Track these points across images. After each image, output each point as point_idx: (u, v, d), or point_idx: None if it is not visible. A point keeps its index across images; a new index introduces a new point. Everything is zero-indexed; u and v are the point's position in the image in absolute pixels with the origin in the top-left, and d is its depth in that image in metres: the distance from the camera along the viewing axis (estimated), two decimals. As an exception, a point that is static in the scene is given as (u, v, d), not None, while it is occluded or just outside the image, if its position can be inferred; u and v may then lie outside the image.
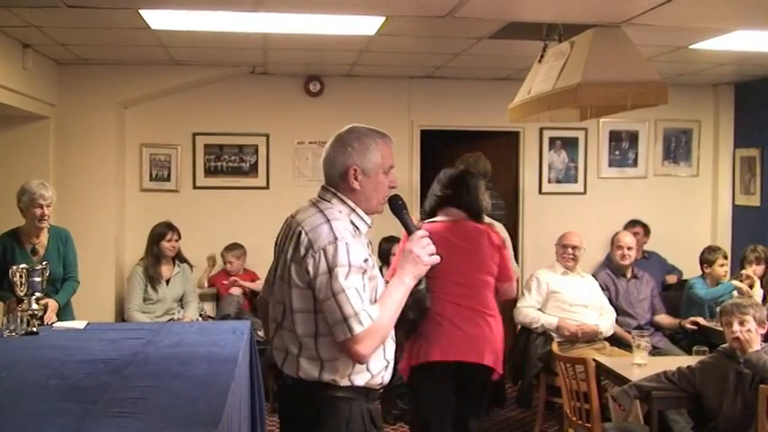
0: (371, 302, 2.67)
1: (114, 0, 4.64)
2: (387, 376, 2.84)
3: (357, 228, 2.75)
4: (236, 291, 7.00)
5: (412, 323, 4.05)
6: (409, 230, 2.88)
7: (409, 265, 2.77)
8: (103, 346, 4.03)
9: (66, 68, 6.77)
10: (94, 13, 4.96)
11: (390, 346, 2.85)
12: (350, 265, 2.59)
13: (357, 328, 2.57)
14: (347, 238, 2.63)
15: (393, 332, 2.85)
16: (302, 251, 2.64)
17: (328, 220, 2.66)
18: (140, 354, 3.86)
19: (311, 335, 2.67)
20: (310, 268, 2.61)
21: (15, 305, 4.49)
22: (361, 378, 2.73)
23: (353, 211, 2.77)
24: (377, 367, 2.77)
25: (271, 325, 2.87)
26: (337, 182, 2.78)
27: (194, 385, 3.23)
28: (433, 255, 2.80)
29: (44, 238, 5.27)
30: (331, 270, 2.58)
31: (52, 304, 4.93)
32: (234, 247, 7.16)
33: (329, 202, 2.77)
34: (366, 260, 2.66)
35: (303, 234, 2.66)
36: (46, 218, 5.18)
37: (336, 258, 2.58)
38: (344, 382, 2.70)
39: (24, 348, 3.98)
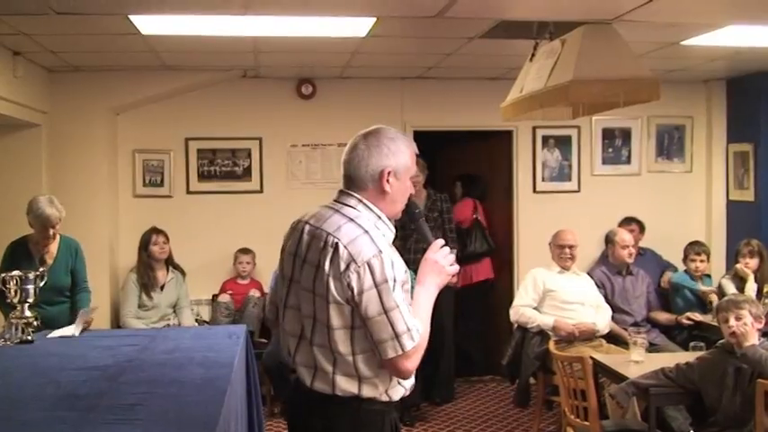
0: None
1: (103, 6, 4.62)
2: (411, 387, 2.79)
3: (384, 236, 2.65)
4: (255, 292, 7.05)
5: None
6: (427, 240, 2.81)
7: (433, 275, 2.72)
8: (99, 353, 4.02)
9: (57, 76, 6.75)
10: (84, 20, 4.94)
11: None
12: (396, 280, 2.52)
13: (409, 345, 2.51)
14: (389, 250, 2.55)
15: None
16: (342, 266, 2.50)
17: (366, 231, 2.55)
18: (136, 360, 3.86)
19: (350, 352, 2.56)
20: (354, 284, 2.48)
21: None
22: (397, 393, 2.68)
23: (379, 218, 2.68)
24: (409, 380, 2.72)
25: (290, 339, 2.71)
26: (366, 184, 2.67)
27: (190, 391, 3.23)
28: (453, 265, 2.76)
29: (54, 247, 5.26)
30: (378, 285, 2.48)
31: (86, 317, 4.89)
32: (247, 251, 7.19)
33: (355, 209, 2.66)
34: (406, 271, 2.61)
35: (341, 247, 2.51)
36: (52, 234, 5.17)
37: (384, 273, 2.49)
38: (384, 398, 2.65)
39: (19, 357, 3.97)
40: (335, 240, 2.54)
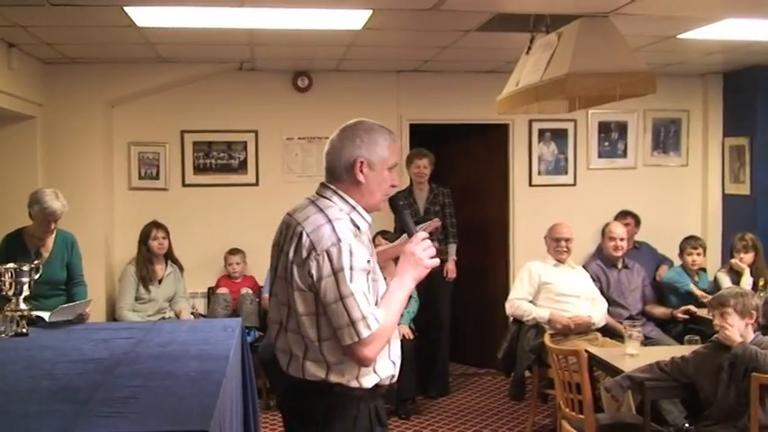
0: (375, 304, 2.65)
1: (99, -3, 4.62)
2: (395, 376, 2.82)
3: (358, 226, 2.72)
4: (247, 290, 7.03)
5: None
6: (410, 232, 2.83)
7: (410, 268, 2.74)
8: (94, 346, 4.00)
9: (53, 68, 6.74)
10: (79, 12, 4.93)
11: (396, 347, 2.83)
12: (353, 268, 2.55)
13: (365, 332, 2.55)
14: (350, 239, 2.59)
15: (397, 332, 2.83)
16: (304, 253, 2.60)
17: (330, 221, 2.62)
18: (131, 353, 3.84)
19: (316, 338, 2.64)
20: (314, 271, 2.57)
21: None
22: (369, 380, 2.71)
23: (354, 209, 2.73)
24: (383, 368, 2.75)
25: (273, 326, 2.82)
26: (341, 175, 2.74)
27: (185, 384, 3.21)
28: (433, 258, 2.77)
29: (50, 241, 5.24)
30: (336, 273, 2.54)
31: (83, 309, 4.88)
32: (237, 251, 7.19)
33: (329, 200, 2.73)
34: (368, 261, 2.63)
35: (305, 235, 2.61)
36: (54, 228, 5.16)
37: (341, 261, 2.54)
38: (353, 384, 2.68)
39: (14, 349, 3.95)
40: (300, 229, 2.64)
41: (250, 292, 7.00)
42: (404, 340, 6.33)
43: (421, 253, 2.74)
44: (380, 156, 2.74)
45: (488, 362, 7.64)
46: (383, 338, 2.63)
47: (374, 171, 2.73)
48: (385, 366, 2.76)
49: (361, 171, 2.71)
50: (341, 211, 2.70)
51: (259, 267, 7.07)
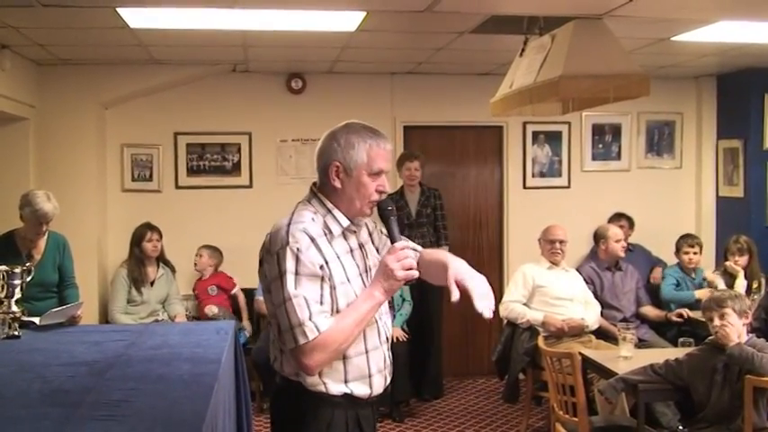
0: (335, 312, 2.56)
1: (91, -1, 4.60)
2: (376, 387, 2.73)
3: (330, 230, 2.63)
4: (210, 310, 6.79)
5: None
6: (392, 239, 2.68)
7: (381, 279, 2.60)
8: (86, 349, 3.99)
9: (46, 69, 6.71)
10: (71, 13, 4.91)
11: (376, 358, 2.72)
12: (297, 273, 2.49)
13: (301, 339, 2.48)
14: (301, 242, 2.51)
15: (379, 342, 2.74)
16: (262, 255, 2.62)
17: (289, 223, 2.57)
18: (123, 356, 3.83)
19: (278, 339, 2.63)
20: (267, 273, 2.57)
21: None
22: (336, 388, 2.64)
23: (329, 212, 2.66)
24: (356, 379, 2.67)
25: (270, 326, 2.79)
26: (322, 177, 2.69)
27: (178, 387, 3.20)
28: (410, 269, 2.59)
29: (42, 243, 5.21)
30: (281, 276, 2.50)
31: (75, 311, 4.86)
32: (207, 246, 7.08)
33: (308, 202, 2.69)
34: (322, 266, 2.53)
35: (267, 237, 2.61)
36: (45, 230, 5.14)
37: (285, 264, 2.49)
38: (321, 389, 2.62)
39: (6, 352, 3.94)
40: (269, 232, 2.62)
41: (215, 310, 6.75)
42: (397, 342, 6.33)
43: (394, 263, 2.56)
44: (357, 161, 2.63)
45: (482, 365, 7.63)
46: (326, 349, 2.52)
47: (350, 176, 2.64)
48: (358, 377, 2.67)
49: (337, 176, 2.65)
50: (315, 214, 2.64)
51: (254, 270, 7.00)
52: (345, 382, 2.65)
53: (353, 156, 2.64)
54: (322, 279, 2.54)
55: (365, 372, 2.69)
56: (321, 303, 2.54)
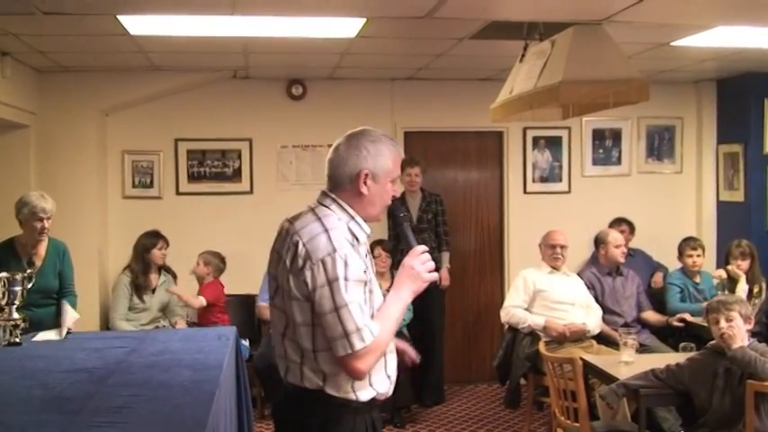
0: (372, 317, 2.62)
1: (91, 6, 4.59)
2: (390, 390, 2.79)
3: (356, 237, 2.67)
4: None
5: None
6: (409, 244, 2.78)
7: (408, 281, 2.71)
8: (87, 356, 4.00)
9: (46, 76, 6.72)
10: (72, 20, 4.92)
11: (392, 361, 2.80)
12: (348, 279, 2.52)
13: (358, 345, 2.51)
14: (346, 248, 2.54)
15: (393, 346, 2.80)
16: (300, 263, 2.55)
17: (326, 230, 2.57)
18: (124, 362, 3.83)
19: (311, 349, 2.60)
20: (308, 281, 2.52)
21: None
22: (365, 394, 2.67)
23: (353, 218, 2.69)
24: (379, 382, 2.72)
25: (274, 334, 2.76)
26: (344, 184, 2.69)
27: (179, 393, 3.21)
28: (432, 272, 2.73)
29: (42, 249, 5.22)
30: (331, 283, 2.50)
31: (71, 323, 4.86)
32: (206, 252, 6.93)
33: (328, 208, 2.69)
34: (365, 271, 2.60)
35: (301, 245, 2.56)
36: (46, 231, 5.14)
37: (336, 271, 2.50)
38: (350, 397, 2.64)
39: (7, 359, 3.95)
40: (297, 239, 2.59)
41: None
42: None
43: (419, 266, 2.70)
44: (384, 168, 2.70)
45: (483, 370, 7.64)
46: (377, 352, 2.59)
47: (377, 183, 2.69)
48: (381, 380, 2.73)
49: (365, 183, 2.67)
50: (339, 221, 2.65)
51: (255, 275, 7.01)
52: (371, 385, 2.69)
53: (381, 163, 2.69)
54: (365, 284, 2.59)
55: (385, 375, 2.76)
56: (368, 307, 2.60)
